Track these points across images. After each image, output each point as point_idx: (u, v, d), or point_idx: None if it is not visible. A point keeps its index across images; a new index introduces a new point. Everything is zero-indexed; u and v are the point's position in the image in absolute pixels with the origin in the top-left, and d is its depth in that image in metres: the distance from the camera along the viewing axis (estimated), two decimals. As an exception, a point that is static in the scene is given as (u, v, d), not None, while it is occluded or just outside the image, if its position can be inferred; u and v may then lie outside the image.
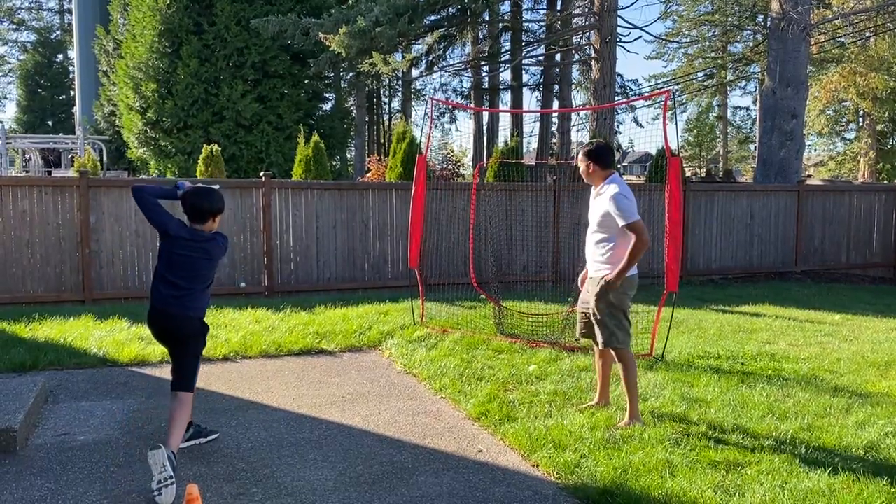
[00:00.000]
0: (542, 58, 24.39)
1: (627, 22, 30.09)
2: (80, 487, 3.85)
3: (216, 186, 4.31)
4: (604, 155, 4.81)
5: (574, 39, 20.80)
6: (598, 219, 4.76)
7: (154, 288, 4.17)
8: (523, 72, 26.25)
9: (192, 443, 4.43)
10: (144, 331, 7.14)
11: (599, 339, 4.77)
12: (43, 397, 5.25)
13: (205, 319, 4.33)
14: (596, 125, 15.27)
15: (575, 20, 19.64)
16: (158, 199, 4.18)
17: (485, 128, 27.22)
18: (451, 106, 31.88)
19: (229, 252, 9.84)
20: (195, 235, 4.14)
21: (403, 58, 17.07)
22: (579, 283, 5.10)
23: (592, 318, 4.79)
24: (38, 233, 9.09)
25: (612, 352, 4.78)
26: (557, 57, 23.41)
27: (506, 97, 28.83)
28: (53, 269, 9.18)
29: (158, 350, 6.61)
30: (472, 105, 26.46)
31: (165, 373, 6.12)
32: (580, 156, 4.90)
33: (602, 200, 4.73)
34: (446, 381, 5.75)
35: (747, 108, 46.32)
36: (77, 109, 32.09)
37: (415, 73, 25.64)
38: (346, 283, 10.44)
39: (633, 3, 40.99)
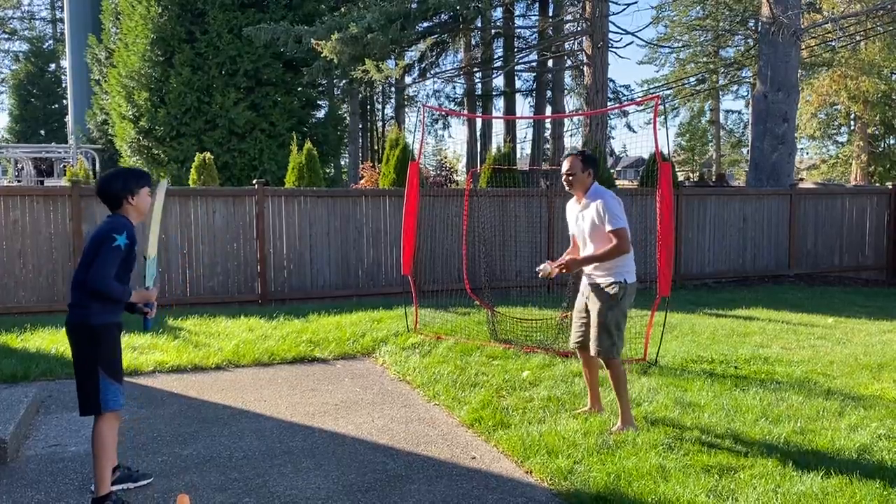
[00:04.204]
0: (534, 64, 24.48)
1: (619, 27, 30.18)
2: (71, 499, 3.83)
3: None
4: (590, 162, 4.75)
5: (566, 45, 20.86)
6: (590, 230, 4.69)
7: None
8: (516, 78, 26.33)
9: (119, 487, 3.84)
10: (136, 340, 7.12)
11: (597, 348, 4.66)
12: (34, 408, 5.22)
13: (95, 326, 3.61)
14: (589, 130, 15.32)
15: (567, 26, 19.73)
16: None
17: (478, 134, 27.27)
18: (444, 113, 31.93)
19: (223, 260, 9.83)
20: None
21: (396, 64, 17.12)
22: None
23: (595, 328, 4.68)
24: (29, 243, 9.05)
25: (605, 362, 4.69)
26: (550, 63, 23.50)
27: (499, 103, 28.92)
28: (45, 278, 9.14)
29: (150, 359, 6.59)
30: (465, 111, 26.53)
31: (158, 382, 6.12)
32: (575, 160, 4.71)
33: (591, 211, 4.67)
34: (440, 388, 5.74)
35: (739, 112, 46.57)
36: (69, 118, 32.03)
37: (408, 79, 25.66)
38: (340, 291, 10.42)
39: (624, 9, 41.14)
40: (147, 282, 3.82)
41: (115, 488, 3.75)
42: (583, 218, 4.77)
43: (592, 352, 4.71)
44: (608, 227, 4.58)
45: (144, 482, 3.98)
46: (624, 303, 4.68)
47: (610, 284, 4.66)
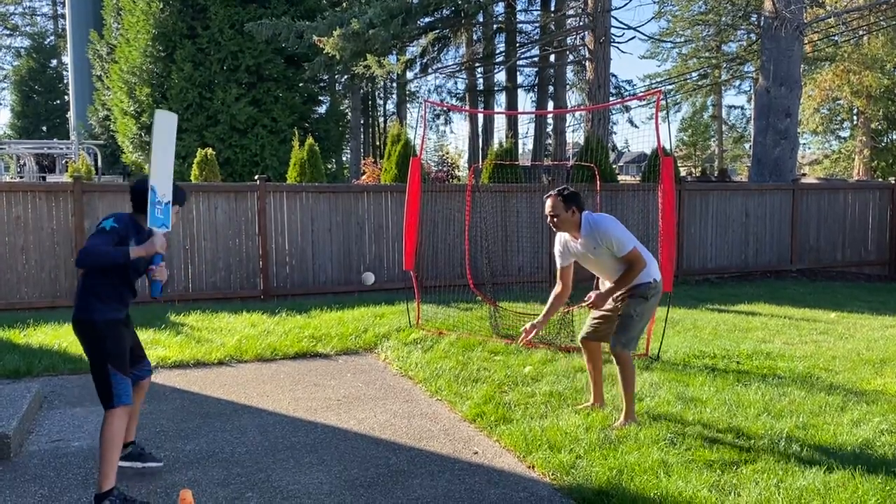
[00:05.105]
0: (536, 59, 24.41)
1: (621, 22, 30.02)
2: (75, 494, 3.84)
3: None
4: (573, 200, 4.65)
5: (568, 40, 20.84)
6: (599, 258, 4.67)
7: None
8: (518, 73, 26.28)
9: (126, 464, 3.96)
10: (139, 336, 7.12)
11: (618, 340, 4.63)
12: (37, 404, 5.23)
13: (89, 321, 3.63)
14: (591, 125, 15.29)
15: (569, 21, 19.67)
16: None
17: (480, 129, 27.23)
18: (445, 108, 31.89)
19: (225, 256, 9.84)
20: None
21: (398, 60, 17.11)
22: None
23: (622, 320, 4.67)
24: (32, 238, 9.07)
25: (617, 356, 4.66)
26: (552, 58, 23.44)
27: (501, 98, 28.87)
28: (48, 274, 9.15)
29: (153, 355, 6.58)
30: (467, 107, 26.48)
31: (160, 378, 6.13)
32: (556, 201, 4.63)
33: (594, 241, 4.63)
34: (442, 384, 5.74)
35: (742, 107, 46.37)
36: (71, 114, 32.02)
37: (409, 75, 25.62)
38: (342, 286, 10.43)
39: (626, 4, 41.20)
40: (149, 222, 3.55)
41: (123, 464, 3.85)
42: (588, 253, 4.72)
43: (612, 343, 4.67)
44: (621, 254, 4.59)
45: (153, 464, 4.05)
46: (654, 300, 4.77)
47: (640, 285, 4.70)
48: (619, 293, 4.68)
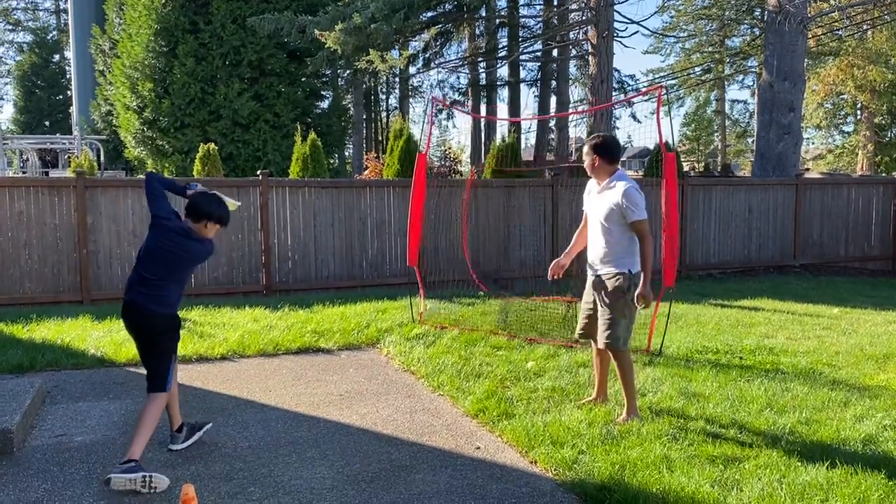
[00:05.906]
0: (539, 53, 24.38)
1: (624, 17, 30.02)
2: (77, 488, 3.85)
3: (232, 201, 4.39)
4: (611, 149, 4.72)
5: (571, 35, 20.77)
6: (604, 214, 4.65)
7: (128, 279, 4.16)
8: (520, 67, 26.23)
9: (192, 440, 4.43)
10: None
11: (604, 339, 4.65)
12: (40, 398, 5.24)
13: (176, 315, 4.21)
14: (594, 121, 15.26)
15: (572, 15, 19.62)
16: (166, 189, 4.34)
17: (482, 124, 27.22)
18: (449, 107, 31.87)
19: (227, 251, 9.84)
20: (182, 229, 4.10)
21: (400, 55, 17.04)
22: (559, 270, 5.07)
23: (603, 321, 4.67)
24: (35, 234, 9.08)
25: (611, 353, 4.69)
26: (555, 52, 23.40)
27: (503, 93, 28.83)
28: (51, 269, 9.16)
29: (156, 350, 6.60)
30: (470, 102, 26.46)
31: (163, 373, 6.12)
32: (586, 148, 4.81)
33: (611, 195, 4.63)
34: (444, 379, 5.74)
35: (745, 102, 46.29)
36: (74, 109, 32.02)
37: (412, 70, 25.59)
38: (345, 282, 10.43)
39: (629, -2, 41.02)
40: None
41: (188, 444, 4.37)
42: (597, 200, 4.75)
43: (600, 344, 4.70)
44: (631, 220, 4.58)
45: (207, 426, 4.57)
46: (632, 293, 4.64)
47: (615, 276, 4.64)
48: (648, 273, 4.61)
